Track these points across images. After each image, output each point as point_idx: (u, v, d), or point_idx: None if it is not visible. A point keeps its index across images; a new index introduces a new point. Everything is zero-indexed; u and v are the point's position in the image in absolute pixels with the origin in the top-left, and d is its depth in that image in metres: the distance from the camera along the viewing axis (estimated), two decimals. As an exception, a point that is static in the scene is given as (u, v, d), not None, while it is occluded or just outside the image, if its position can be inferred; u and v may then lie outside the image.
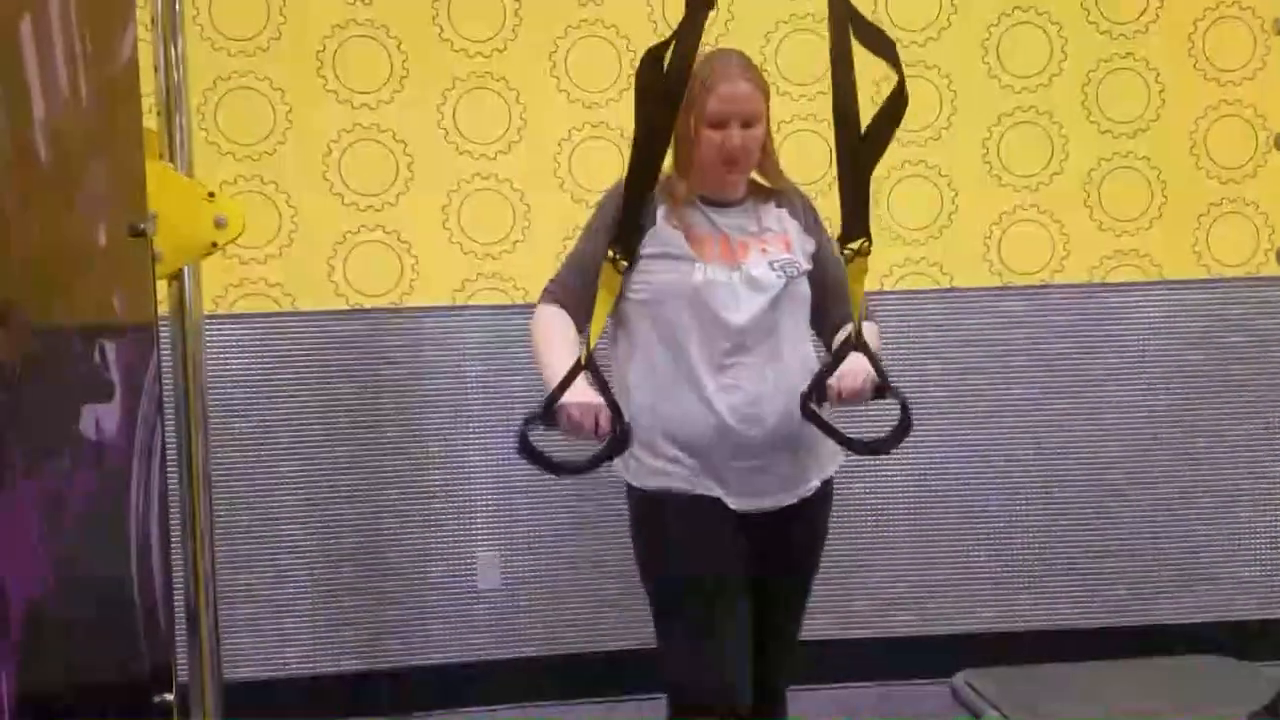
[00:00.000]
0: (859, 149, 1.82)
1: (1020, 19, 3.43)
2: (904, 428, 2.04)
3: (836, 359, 2.05)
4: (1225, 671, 2.43)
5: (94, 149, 1.57)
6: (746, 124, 2.13)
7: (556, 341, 2.15)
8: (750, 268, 2.16)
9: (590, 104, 3.33)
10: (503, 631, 3.36)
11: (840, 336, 2.18)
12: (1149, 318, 3.49)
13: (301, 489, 3.28)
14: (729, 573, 2.15)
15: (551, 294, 2.24)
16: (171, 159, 2.12)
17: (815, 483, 2.22)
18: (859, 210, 1.86)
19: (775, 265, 2.17)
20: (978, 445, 3.47)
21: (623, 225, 2.01)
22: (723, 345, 2.13)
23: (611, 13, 3.32)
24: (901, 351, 3.39)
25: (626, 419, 2.00)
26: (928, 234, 3.44)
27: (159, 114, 2.13)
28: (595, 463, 1.99)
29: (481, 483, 3.34)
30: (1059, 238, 3.47)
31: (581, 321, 2.16)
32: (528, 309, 3.26)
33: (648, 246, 2.13)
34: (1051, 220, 3.47)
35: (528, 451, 1.98)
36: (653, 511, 2.19)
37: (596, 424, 1.98)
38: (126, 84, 1.70)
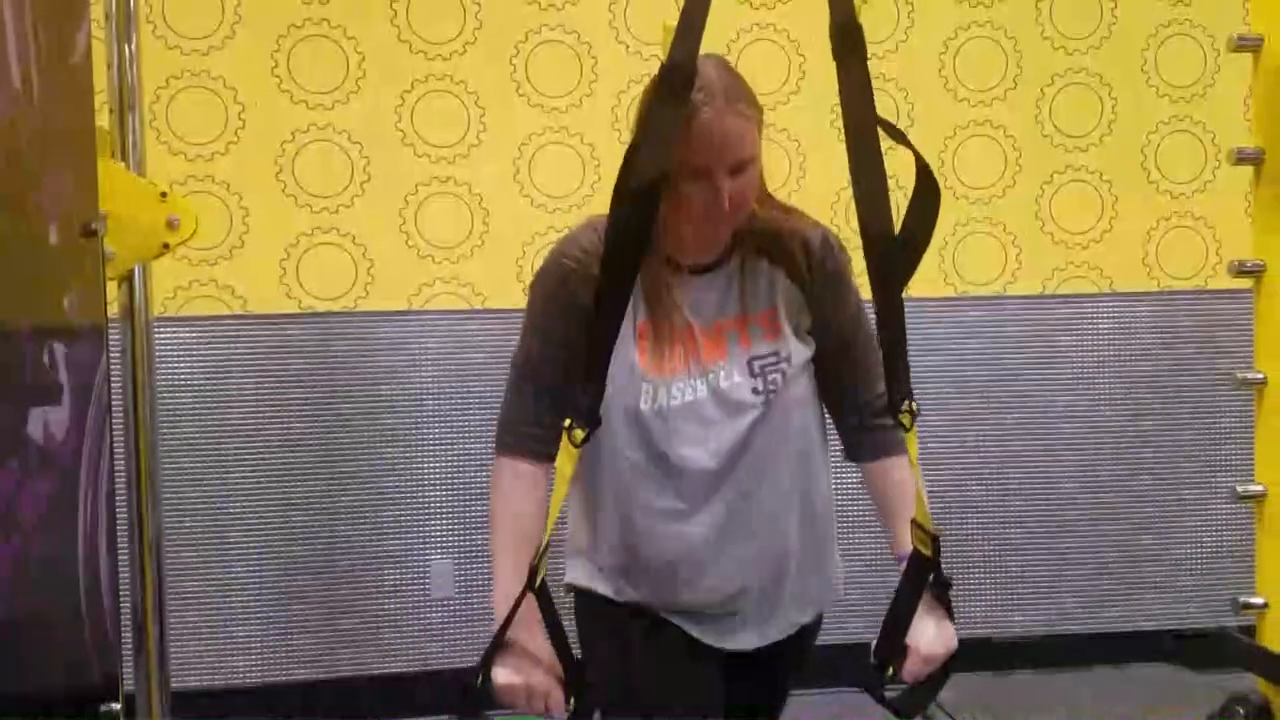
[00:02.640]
0: (897, 269, 1.39)
1: (976, 34, 3.47)
2: (935, 689, 1.59)
3: (910, 607, 1.56)
4: (1176, 679, 2.47)
5: (46, 147, 1.53)
6: (738, 169, 1.54)
7: (504, 526, 1.64)
8: (722, 377, 1.61)
9: (550, 109, 3.32)
10: (456, 640, 3.33)
11: (901, 528, 1.65)
12: (1100, 329, 3.54)
13: (252, 495, 3.23)
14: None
15: (520, 441, 1.68)
16: (124, 158, 2.08)
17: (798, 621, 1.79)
18: (902, 366, 1.44)
19: (756, 370, 1.62)
20: (930, 454, 3.49)
21: (590, 361, 1.42)
22: (682, 492, 1.62)
23: (573, 18, 3.31)
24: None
25: (585, 678, 1.52)
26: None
27: (111, 112, 2.09)
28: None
29: (435, 490, 3.32)
30: (1011, 249, 3.51)
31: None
32: (485, 314, 3.30)
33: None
34: (1004, 232, 3.51)
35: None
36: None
37: (545, 708, 1.50)
38: (80, 82, 1.67)
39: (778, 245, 1.65)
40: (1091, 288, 3.53)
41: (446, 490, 3.32)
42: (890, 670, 1.58)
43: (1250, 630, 1.54)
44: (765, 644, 1.73)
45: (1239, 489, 1.57)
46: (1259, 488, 1.54)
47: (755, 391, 1.61)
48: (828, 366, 1.68)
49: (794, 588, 1.72)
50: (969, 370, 3.49)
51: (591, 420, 1.43)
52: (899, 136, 1.42)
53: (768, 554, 1.67)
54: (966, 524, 3.50)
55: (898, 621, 1.57)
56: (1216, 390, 3.51)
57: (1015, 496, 3.52)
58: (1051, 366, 3.52)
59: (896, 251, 1.41)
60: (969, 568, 3.51)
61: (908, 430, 1.43)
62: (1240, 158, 1.53)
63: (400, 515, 3.30)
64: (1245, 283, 1.55)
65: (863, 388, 1.68)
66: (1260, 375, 1.52)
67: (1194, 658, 3.17)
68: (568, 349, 1.59)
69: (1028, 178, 3.51)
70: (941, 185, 3.89)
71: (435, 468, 3.31)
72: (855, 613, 3.49)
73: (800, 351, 1.65)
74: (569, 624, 1.58)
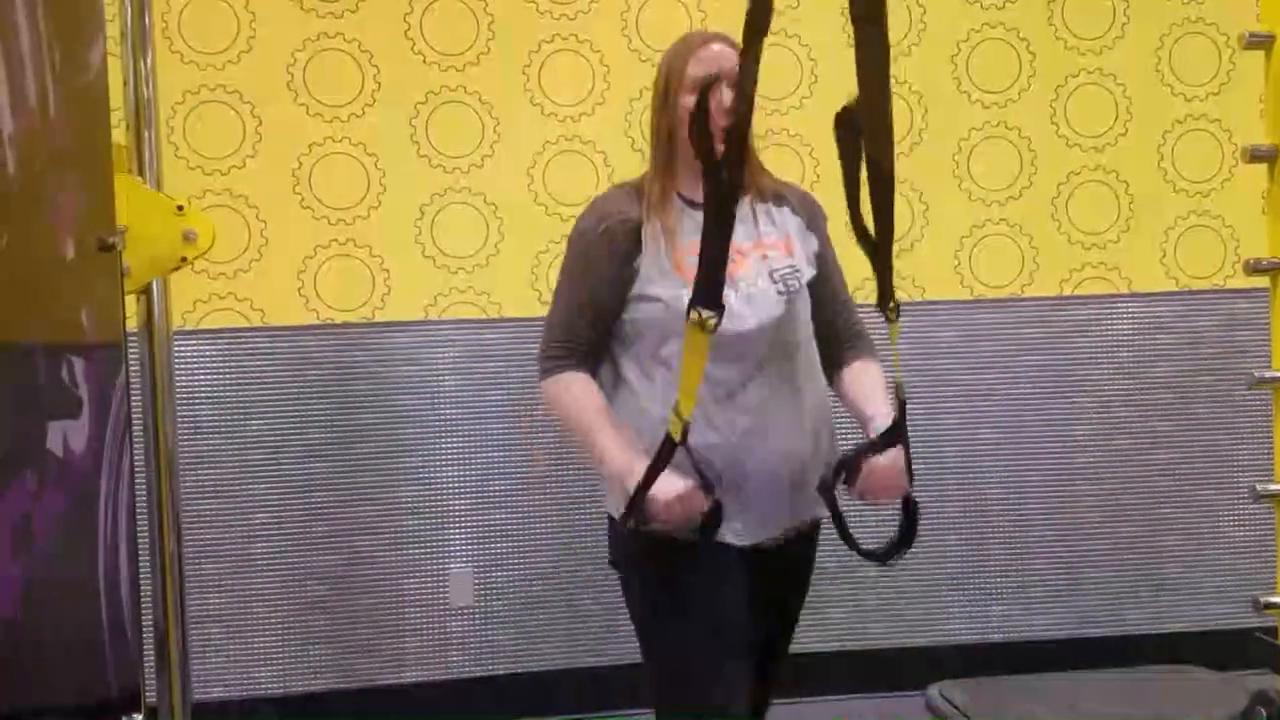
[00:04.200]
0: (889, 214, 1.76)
1: (989, 35, 3.47)
2: (907, 539, 1.92)
3: (876, 446, 1.88)
4: (1198, 681, 2.45)
5: (62, 163, 1.55)
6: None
7: (596, 417, 1.94)
8: (748, 284, 1.95)
9: (564, 118, 3.33)
10: (476, 649, 3.34)
11: (876, 407, 1.99)
12: (1117, 330, 3.52)
13: (272, 506, 3.24)
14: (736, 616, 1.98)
15: (562, 358, 1.99)
16: (141, 173, 2.10)
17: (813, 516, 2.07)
18: (888, 274, 1.83)
19: (776, 276, 1.97)
20: (948, 457, 3.48)
21: (703, 266, 1.71)
22: (721, 377, 1.90)
23: (586, 27, 3.32)
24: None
25: (715, 493, 1.82)
26: (899, 247, 3.42)
27: (128, 128, 2.11)
28: (704, 538, 1.84)
29: (454, 499, 3.32)
30: (1028, 251, 3.50)
31: (599, 373, 2.00)
32: (501, 323, 3.31)
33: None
34: (1021, 234, 3.50)
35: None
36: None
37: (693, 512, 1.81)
38: (95, 97, 1.69)
39: (779, 192, 2.06)
40: (1109, 288, 3.51)
41: (464, 499, 3.32)
42: (842, 475, 1.89)
43: (1271, 630, 1.53)
44: (789, 535, 2.01)
45: (1259, 488, 1.56)
46: (1278, 487, 1.53)
47: (779, 293, 1.96)
48: (818, 293, 2.05)
49: (810, 477, 1.98)
50: (986, 373, 3.48)
51: (717, 304, 1.71)
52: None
53: (797, 433, 1.97)
54: (983, 526, 3.48)
55: (859, 450, 1.89)
56: (1236, 390, 3.49)
57: (1033, 498, 3.50)
58: (1069, 368, 3.50)
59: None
60: (987, 571, 3.49)
61: (894, 321, 1.84)
62: (1254, 155, 1.52)
63: (419, 524, 3.30)
64: (1262, 281, 1.54)
65: (842, 311, 2.10)
66: (1278, 374, 1.51)
67: (1219, 659, 3.14)
68: (608, 286, 1.95)
69: (1043, 179, 3.49)
70: (956, 187, 3.91)
71: (454, 476, 3.32)
72: (831, 625, 3.48)
73: (808, 270, 2.03)
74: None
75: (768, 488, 1.95)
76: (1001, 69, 3.47)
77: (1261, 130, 1.54)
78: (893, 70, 3.69)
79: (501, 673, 3.34)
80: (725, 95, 1.82)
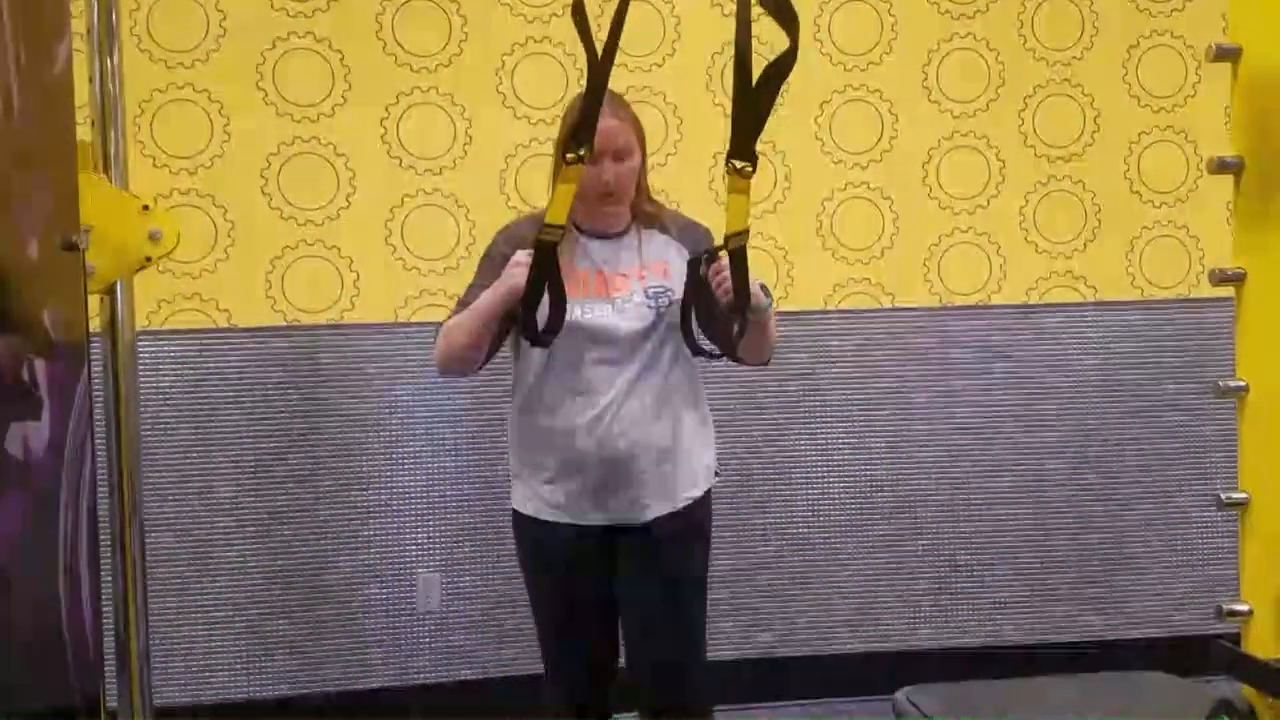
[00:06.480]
0: (751, 92, 1.97)
1: (959, 45, 3.49)
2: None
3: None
4: (1162, 687, 2.47)
5: (26, 161, 1.52)
6: (618, 157, 2.22)
7: (469, 309, 2.22)
8: (623, 301, 2.25)
9: (536, 121, 3.32)
10: (442, 654, 3.32)
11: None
12: (1084, 338, 3.55)
13: (236, 510, 3.21)
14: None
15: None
16: (106, 171, 2.07)
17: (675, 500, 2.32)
18: (746, 137, 1.99)
19: (650, 293, 2.26)
20: (918, 463, 3.50)
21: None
22: (588, 374, 2.22)
23: (558, 30, 3.31)
24: (843, 369, 3.42)
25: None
26: (869, 254, 3.48)
27: (94, 125, 2.09)
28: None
29: (422, 502, 3.30)
30: (996, 259, 3.52)
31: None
32: (471, 326, 3.28)
33: None
34: (989, 242, 3.52)
35: None
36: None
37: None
38: (60, 95, 1.66)
39: (665, 222, 2.34)
40: (1076, 297, 3.54)
41: (431, 502, 3.30)
42: (703, 259, 2.15)
43: (1235, 637, 1.54)
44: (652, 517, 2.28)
45: (1223, 496, 1.57)
46: (1243, 495, 1.54)
47: (648, 307, 2.25)
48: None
49: (663, 468, 2.27)
50: (953, 379, 3.50)
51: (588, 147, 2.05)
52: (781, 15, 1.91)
53: (655, 427, 2.26)
54: (951, 532, 3.50)
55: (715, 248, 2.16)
56: (1200, 398, 3.52)
57: (1000, 504, 3.52)
58: (1037, 375, 3.53)
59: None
60: (954, 576, 3.51)
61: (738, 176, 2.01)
62: (1220, 166, 1.53)
63: (385, 528, 3.28)
64: (1227, 290, 1.55)
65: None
66: (1242, 383, 1.52)
67: (1183, 665, 3.17)
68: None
69: (1011, 188, 3.52)
70: (925, 196, 3.92)
71: (420, 480, 3.30)
72: (798, 630, 3.50)
73: (679, 290, 2.25)
74: None
75: (617, 470, 2.24)
76: (971, 79, 3.50)
77: (1226, 141, 1.56)
78: (863, 79, 3.74)
79: (468, 677, 3.32)
80: (608, 169, 2.21)
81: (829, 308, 3.40)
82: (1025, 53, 3.51)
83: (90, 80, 2.08)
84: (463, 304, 2.26)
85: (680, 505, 2.30)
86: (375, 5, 3.24)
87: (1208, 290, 3.47)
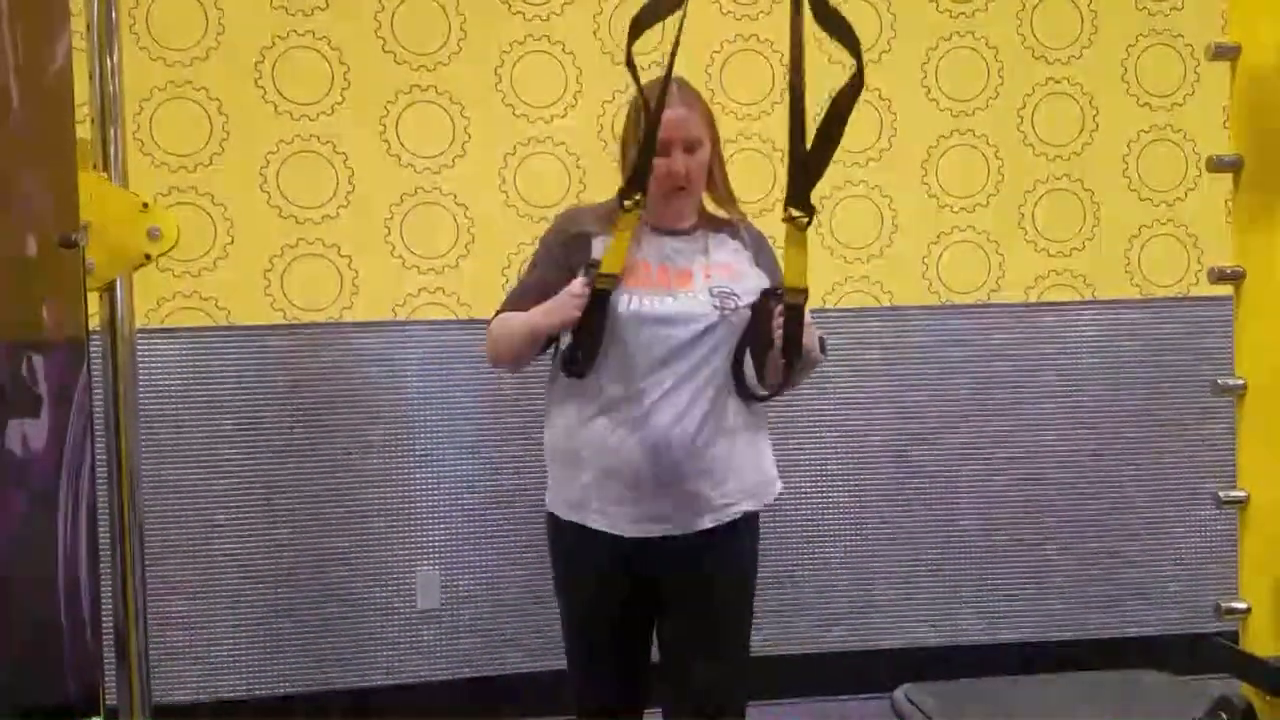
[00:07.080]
0: (807, 127, 1.90)
1: (958, 44, 3.49)
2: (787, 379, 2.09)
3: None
4: (1160, 685, 2.47)
5: (26, 158, 1.52)
6: (689, 149, 2.12)
7: (520, 319, 2.14)
8: (686, 296, 2.12)
9: (535, 118, 3.32)
10: (443, 652, 3.32)
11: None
12: (1083, 336, 3.55)
13: (236, 508, 3.21)
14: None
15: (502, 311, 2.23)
16: (105, 169, 2.07)
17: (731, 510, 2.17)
18: (805, 183, 1.92)
19: (715, 292, 2.12)
20: (916, 462, 3.50)
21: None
22: (642, 376, 2.09)
23: (558, 28, 3.32)
24: (843, 368, 3.43)
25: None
26: (869, 253, 3.48)
27: (93, 123, 2.08)
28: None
29: (422, 501, 3.30)
30: (995, 258, 3.53)
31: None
32: (471, 324, 3.29)
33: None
34: (988, 241, 3.53)
35: None
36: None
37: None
38: (59, 92, 1.66)
39: (734, 226, 2.23)
40: (1074, 295, 3.55)
41: (433, 501, 3.31)
42: (774, 296, 2.07)
43: (1233, 635, 1.54)
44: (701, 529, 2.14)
45: (1221, 494, 1.57)
46: (1241, 493, 1.54)
47: (714, 306, 2.12)
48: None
49: (693, 485, 2.12)
50: (953, 378, 3.50)
51: (640, 191, 2.04)
52: (840, 33, 1.89)
53: (705, 430, 2.12)
54: (950, 530, 3.51)
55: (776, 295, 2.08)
56: (1199, 396, 3.53)
57: (999, 503, 3.52)
58: (1035, 374, 3.53)
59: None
60: (953, 575, 3.51)
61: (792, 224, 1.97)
62: (1218, 164, 1.53)
63: (386, 527, 3.28)
64: (1225, 289, 1.56)
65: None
66: (1240, 381, 1.52)
67: (1181, 664, 3.17)
68: (556, 269, 2.16)
69: (1010, 186, 3.53)
70: (924, 194, 3.92)
71: (421, 478, 3.30)
72: (796, 628, 3.50)
73: (748, 296, 2.14)
74: None
75: (661, 475, 2.10)
76: (970, 77, 3.50)
77: (1225, 140, 1.56)
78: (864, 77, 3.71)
79: (469, 676, 3.32)
80: (678, 160, 2.12)
81: (827, 306, 3.41)
82: (1024, 51, 3.51)
83: (90, 78, 2.07)
84: (522, 288, 2.20)
85: (727, 518, 2.15)
86: (374, 4, 3.24)
87: (1206, 289, 3.48)
